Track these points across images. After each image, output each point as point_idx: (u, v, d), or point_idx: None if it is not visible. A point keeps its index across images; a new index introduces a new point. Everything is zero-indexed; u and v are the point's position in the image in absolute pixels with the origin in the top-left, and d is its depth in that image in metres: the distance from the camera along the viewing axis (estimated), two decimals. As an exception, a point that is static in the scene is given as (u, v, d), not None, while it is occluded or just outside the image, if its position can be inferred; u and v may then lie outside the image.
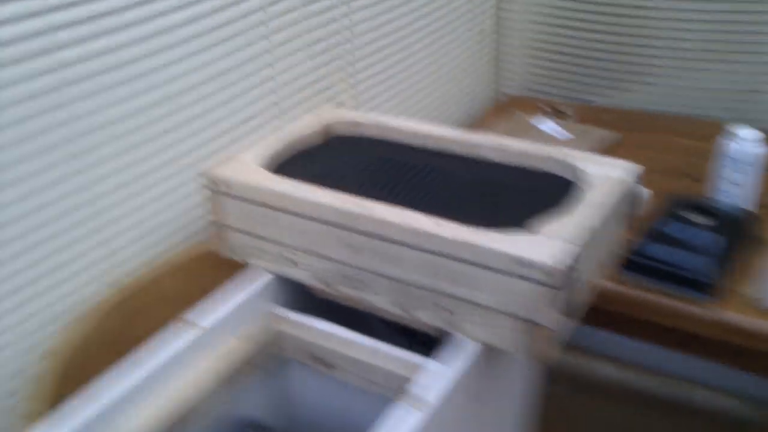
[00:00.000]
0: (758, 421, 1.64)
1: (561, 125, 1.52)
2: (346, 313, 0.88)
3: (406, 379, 0.74)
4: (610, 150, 1.44)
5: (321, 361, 0.80)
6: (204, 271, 1.01)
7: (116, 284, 0.95)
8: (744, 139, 1.11)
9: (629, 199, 0.79)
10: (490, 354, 0.75)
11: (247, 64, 1.06)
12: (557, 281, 0.64)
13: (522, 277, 0.65)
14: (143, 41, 0.90)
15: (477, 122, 1.64)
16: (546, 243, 0.66)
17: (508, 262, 0.65)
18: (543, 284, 0.64)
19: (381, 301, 0.77)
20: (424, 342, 0.93)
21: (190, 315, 0.79)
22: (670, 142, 1.46)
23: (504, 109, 1.69)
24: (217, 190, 0.83)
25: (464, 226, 0.69)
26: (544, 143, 1.42)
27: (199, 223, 1.06)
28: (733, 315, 0.97)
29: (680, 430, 1.67)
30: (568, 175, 0.81)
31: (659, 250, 1.01)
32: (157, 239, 1.00)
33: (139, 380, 0.70)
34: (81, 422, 0.65)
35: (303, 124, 0.95)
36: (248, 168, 0.83)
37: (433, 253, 0.70)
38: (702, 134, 1.47)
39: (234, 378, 0.78)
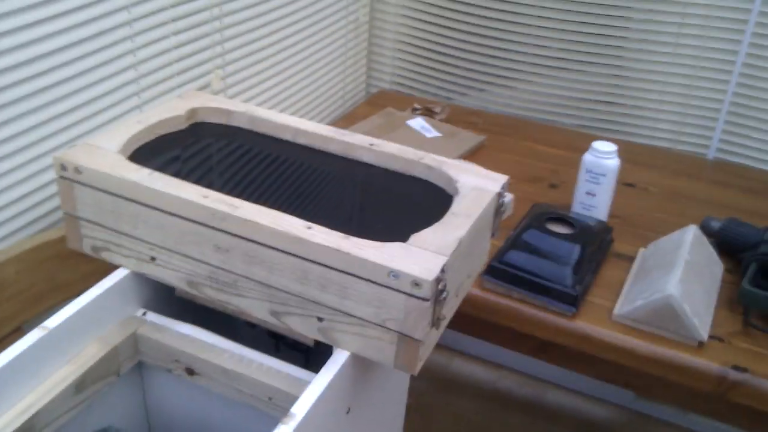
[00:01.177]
0: (605, 422, 1.75)
1: (430, 123, 1.54)
2: (215, 314, 0.84)
3: (274, 389, 0.71)
4: (475, 153, 1.47)
5: (184, 367, 0.76)
6: (53, 261, 0.93)
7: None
8: (600, 151, 1.17)
9: (496, 209, 0.80)
10: (361, 363, 0.74)
11: (104, 35, 0.98)
12: (427, 293, 0.63)
13: (392, 288, 0.64)
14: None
15: (349, 116, 1.63)
16: (417, 254, 0.65)
17: (378, 272, 0.64)
18: (413, 296, 0.64)
19: (251, 306, 0.73)
20: (293, 345, 0.90)
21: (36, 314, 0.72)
22: (532, 148, 1.52)
23: (376, 103, 1.69)
24: (67, 177, 0.76)
25: (335, 232, 0.67)
26: (414, 143, 1.43)
27: (48, 207, 0.97)
28: (587, 326, 1.01)
29: (534, 427, 1.75)
30: (441, 183, 0.81)
31: (519, 258, 1.05)
32: (-5, 225, 0.90)
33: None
34: None
35: (166, 108, 0.89)
36: (103, 153, 0.77)
37: (303, 258, 0.67)
38: (562, 142, 1.55)
39: (87, 384, 0.72)
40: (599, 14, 1.53)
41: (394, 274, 0.64)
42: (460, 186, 0.78)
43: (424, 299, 0.64)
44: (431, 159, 0.82)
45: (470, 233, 0.71)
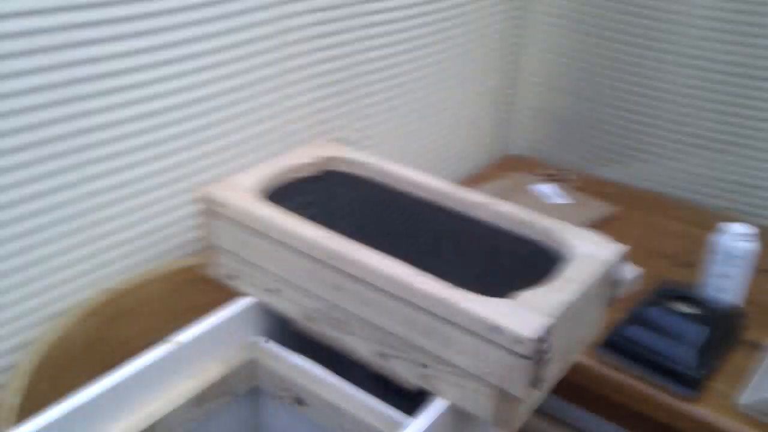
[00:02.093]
0: None
1: (560, 189, 1.53)
2: (327, 352, 0.88)
3: (373, 428, 0.74)
4: (603, 223, 1.45)
5: (294, 396, 0.80)
6: (191, 284, 1.02)
7: (100, 286, 0.96)
8: (735, 233, 1.12)
9: (611, 279, 0.80)
10: (458, 414, 0.75)
11: (255, 86, 1.07)
12: (528, 351, 0.64)
13: (493, 343, 0.66)
14: (152, 51, 0.91)
15: (477, 177, 1.65)
16: (521, 312, 0.66)
17: (481, 325, 0.66)
18: (514, 353, 0.65)
19: (359, 345, 0.77)
20: (400, 392, 0.93)
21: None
22: (666, 224, 1.47)
23: (505, 167, 1.71)
24: (211, 210, 0.84)
25: (443, 283, 0.70)
26: (540, 208, 1.43)
27: (190, 237, 1.06)
28: (709, 412, 0.96)
29: None
30: (554, 246, 0.82)
31: (638, 333, 1.02)
32: (145, 246, 1.00)
33: (107, 389, 0.70)
34: (40, 426, 0.65)
35: (301, 155, 0.96)
36: (243, 192, 0.84)
37: (410, 304, 0.70)
38: (696, 221, 1.49)
39: (205, 399, 0.78)
40: (749, 96, 1.48)
41: (497, 329, 0.65)
42: (574, 251, 0.78)
43: (525, 357, 0.64)
44: (546, 222, 0.84)
45: (579, 299, 0.71)
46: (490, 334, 0.66)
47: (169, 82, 0.95)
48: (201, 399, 0.78)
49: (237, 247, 0.84)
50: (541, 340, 0.65)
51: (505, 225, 0.86)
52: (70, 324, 0.89)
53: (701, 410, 0.97)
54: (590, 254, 0.77)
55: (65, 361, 0.88)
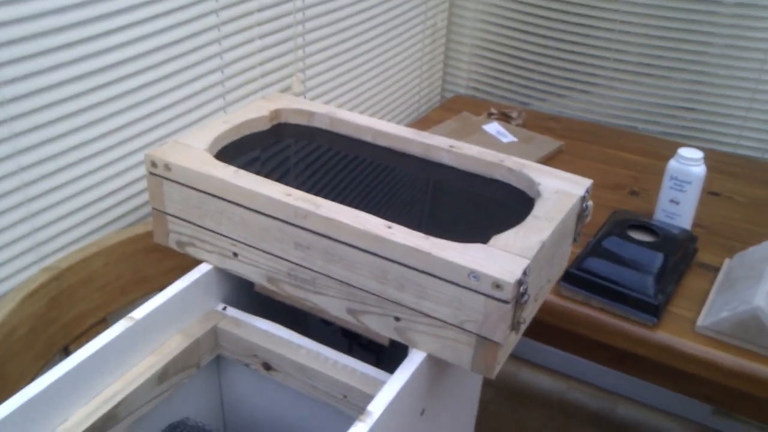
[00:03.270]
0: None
1: (506, 128, 1.52)
2: (290, 311, 0.85)
3: (348, 387, 0.71)
4: (552, 158, 1.45)
5: (261, 362, 0.77)
6: (139, 254, 0.97)
7: (42, 263, 0.89)
8: (685, 158, 1.13)
9: (579, 214, 0.79)
10: (436, 365, 0.74)
11: (194, 38, 1.01)
12: (508, 296, 0.62)
13: (472, 290, 0.64)
14: (84, 6, 0.84)
15: (424, 120, 1.63)
16: (498, 256, 0.65)
17: (458, 273, 0.64)
18: (493, 298, 0.63)
19: (329, 304, 0.74)
20: (366, 345, 0.91)
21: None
22: (611, 155, 1.49)
23: (451, 108, 1.68)
24: (157, 173, 0.79)
25: (415, 232, 0.67)
26: (490, 147, 1.42)
27: (137, 202, 1.00)
28: (669, 337, 0.98)
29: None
30: (521, 186, 0.80)
31: (599, 265, 1.02)
32: (89, 216, 0.94)
33: (65, 374, 0.65)
34: (3, 423, 0.60)
35: (251, 109, 0.91)
36: (191, 151, 0.79)
37: (382, 257, 0.67)
38: (642, 149, 1.51)
39: (168, 374, 0.74)
40: (683, 19, 1.49)
41: (475, 275, 0.63)
42: (543, 189, 0.77)
43: (504, 301, 0.63)
44: (512, 162, 0.82)
45: (552, 237, 0.70)
46: (467, 282, 0.64)
47: (104, 39, 0.88)
48: (163, 374, 0.74)
49: (188, 212, 0.79)
50: (519, 282, 0.63)
51: (471, 168, 0.83)
52: (9, 309, 0.83)
53: (662, 335, 0.99)
54: (559, 191, 0.76)
55: (9, 349, 0.82)
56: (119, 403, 0.69)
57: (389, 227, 0.68)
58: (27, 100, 0.81)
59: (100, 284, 0.93)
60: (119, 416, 0.70)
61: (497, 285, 0.62)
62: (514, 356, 1.95)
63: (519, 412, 1.78)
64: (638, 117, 1.62)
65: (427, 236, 0.67)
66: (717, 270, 1.11)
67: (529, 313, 0.73)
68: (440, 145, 0.85)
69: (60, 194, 0.89)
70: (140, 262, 0.97)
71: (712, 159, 1.46)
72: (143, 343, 0.74)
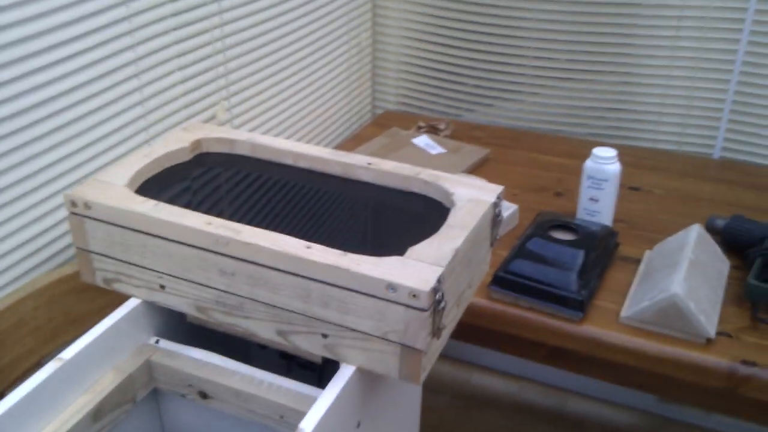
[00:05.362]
0: (630, 427, 1.75)
1: (435, 140, 1.56)
2: (229, 340, 0.86)
3: (285, 408, 0.73)
4: (479, 166, 1.49)
5: (197, 391, 0.78)
6: (68, 295, 0.96)
7: (-35, 313, 0.89)
8: (600, 157, 1.18)
9: (493, 219, 0.82)
10: (368, 377, 0.76)
11: (110, 75, 1.01)
12: (425, 303, 0.65)
13: (391, 301, 0.66)
14: (-5, 53, 0.84)
15: (355, 138, 1.66)
16: (413, 266, 0.67)
17: (376, 286, 0.66)
18: (411, 307, 0.66)
19: (258, 327, 0.76)
20: (306, 366, 0.92)
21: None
22: (537, 159, 1.54)
23: (381, 124, 1.72)
24: (78, 213, 0.79)
25: (334, 250, 0.70)
26: (419, 160, 1.46)
27: (62, 244, 1.00)
28: (596, 329, 1.02)
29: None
30: (437, 197, 0.83)
31: (524, 266, 1.06)
32: (15, 261, 0.94)
33: (-8, 419, 0.65)
34: None
35: (171, 140, 0.92)
36: (110, 188, 0.80)
37: (304, 277, 0.69)
38: (566, 151, 1.56)
39: (103, 411, 0.75)
40: (603, 23, 1.55)
41: (392, 287, 0.66)
42: (456, 198, 0.80)
43: (422, 310, 0.65)
44: (427, 174, 0.85)
45: (466, 243, 0.73)
46: (385, 294, 0.66)
47: (17, 83, 0.88)
48: (98, 412, 0.75)
49: (112, 248, 0.80)
50: (434, 290, 0.66)
51: (389, 183, 0.86)
52: (-61, 359, 0.82)
53: (588, 328, 1.03)
54: (471, 199, 0.79)
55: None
56: (53, 446, 0.70)
57: (308, 247, 0.70)
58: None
59: (31, 328, 0.92)
60: (53, 459, 0.70)
61: (413, 294, 0.65)
62: (465, 361, 1.99)
63: (474, 416, 1.81)
64: (563, 120, 1.68)
65: (345, 253, 0.69)
66: (638, 262, 1.16)
67: (451, 319, 0.76)
68: (358, 162, 0.88)
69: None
70: (71, 303, 0.96)
71: (632, 155, 1.52)
72: (76, 383, 0.74)
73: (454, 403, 1.85)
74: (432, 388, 1.90)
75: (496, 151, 1.56)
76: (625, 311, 1.03)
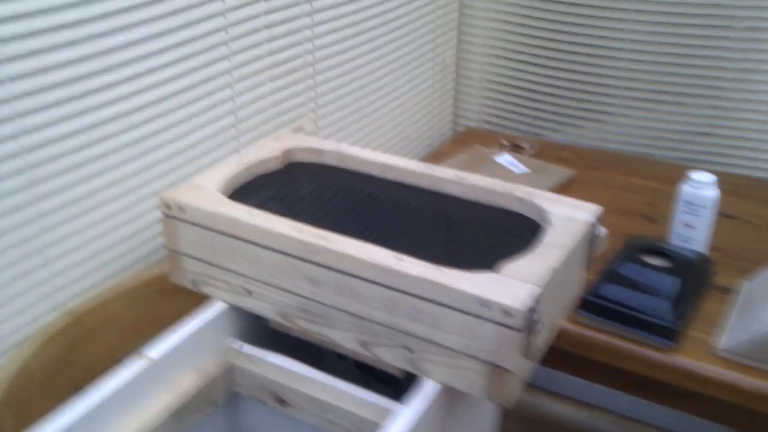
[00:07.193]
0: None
1: (518, 159, 1.53)
2: (305, 347, 0.85)
3: (364, 420, 0.71)
4: (565, 187, 1.45)
5: (276, 397, 0.77)
6: (155, 296, 0.98)
7: (61, 308, 0.91)
8: (697, 182, 1.13)
9: (590, 240, 0.79)
10: (451, 395, 0.74)
11: (206, 84, 1.03)
12: (519, 323, 0.63)
13: (483, 318, 0.64)
14: (98, 57, 0.87)
15: (436, 154, 1.64)
16: (508, 284, 0.65)
17: (469, 302, 0.64)
18: (504, 326, 0.63)
19: (341, 337, 0.75)
20: (382, 379, 0.91)
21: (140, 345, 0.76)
22: (625, 182, 1.49)
23: (463, 141, 1.70)
24: (171, 215, 0.80)
25: (425, 263, 0.68)
26: (503, 178, 1.43)
27: (151, 246, 1.02)
28: (688, 361, 0.97)
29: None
30: (531, 215, 0.81)
31: (615, 291, 1.02)
32: (105, 262, 0.96)
33: (83, 414, 0.66)
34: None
35: (262, 149, 0.92)
36: (204, 192, 0.81)
37: (393, 289, 0.68)
38: (656, 175, 1.51)
39: (184, 413, 0.75)
40: (694, 45, 1.50)
41: (486, 304, 0.63)
42: (552, 217, 0.77)
43: (516, 329, 0.63)
44: (521, 190, 0.82)
45: (563, 264, 0.70)
46: (478, 310, 0.64)
47: (118, 88, 0.90)
48: (180, 413, 0.75)
49: (202, 251, 0.80)
50: (531, 310, 0.63)
51: (480, 198, 0.84)
52: (30, 352, 0.84)
53: (680, 359, 0.98)
54: (568, 218, 0.76)
55: (29, 392, 0.83)
56: (136, 444, 0.70)
57: (399, 259, 0.69)
58: (43, 149, 0.83)
59: (117, 327, 0.94)
60: (136, 456, 0.70)
61: (508, 312, 0.63)
62: (535, 386, 1.93)
63: (545, 446, 1.75)
64: (652, 144, 1.62)
65: (437, 266, 0.67)
66: (734, 292, 1.10)
67: (543, 341, 0.73)
68: (448, 176, 0.86)
69: (76, 240, 0.91)
70: (156, 304, 0.98)
71: (728, 182, 1.45)
72: (159, 382, 0.74)
73: (522, 429, 1.80)
74: (501, 412, 1.85)
75: (582, 172, 1.51)
76: (723, 343, 0.98)
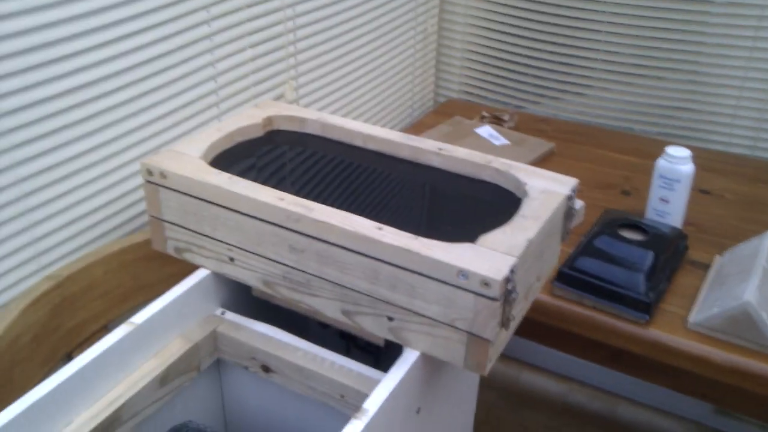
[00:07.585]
0: None
1: (498, 131, 1.54)
2: (289, 316, 0.87)
3: (346, 387, 0.73)
4: (545, 160, 1.47)
5: (260, 364, 0.79)
6: (138, 262, 0.98)
7: (43, 272, 0.91)
8: (673, 157, 1.15)
9: (566, 213, 0.80)
10: (431, 364, 0.75)
11: (186, 48, 1.03)
12: (496, 293, 0.64)
13: (461, 288, 0.65)
14: (73, 21, 0.86)
15: (417, 125, 1.65)
16: (486, 254, 0.66)
17: (447, 272, 0.65)
18: (482, 296, 0.65)
19: (323, 306, 0.76)
20: (364, 348, 0.92)
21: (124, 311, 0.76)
22: (604, 156, 1.50)
23: (444, 112, 1.70)
24: (153, 181, 0.81)
25: (405, 233, 0.69)
26: (483, 150, 1.44)
27: (134, 212, 1.02)
28: (662, 334, 1.00)
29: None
30: (509, 187, 0.82)
31: (590, 264, 1.04)
32: (88, 226, 0.96)
33: (69, 378, 0.67)
34: (5, 422, 0.62)
35: (244, 116, 0.93)
36: (185, 158, 0.81)
37: (374, 258, 0.69)
38: (635, 149, 1.52)
39: (169, 377, 0.76)
40: (674, 19, 1.51)
41: (464, 273, 0.65)
42: (529, 189, 0.78)
43: (493, 299, 0.65)
44: (499, 163, 0.83)
45: (539, 235, 0.72)
46: (457, 280, 0.65)
47: (98, 51, 0.90)
48: (165, 378, 0.76)
49: (184, 218, 0.81)
50: (507, 280, 0.65)
51: (460, 170, 0.85)
52: (13, 317, 0.84)
53: (654, 332, 1.00)
54: (545, 190, 0.78)
55: (14, 356, 0.84)
56: (122, 407, 0.71)
57: (379, 228, 0.70)
58: (24, 112, 0.83)
59: (101, 292, 0.95)
60: (122, 419, 0.71)
61: (485, 283, 0.64)
62: (515, 359, 1.97)
63: (521, 415, 1.79)
64: (631, 118, 1.64)
65: (417, 236, 0.69)
66: (708, 267, 1.12)
67: (519, 311, 0.75)
68: (429, 147, 0.87)
69: (59, 204, 0.91)
70: (140, 270, 0.98)
71: (704, 157, 1.48)
72: (144, 347, 0.75)
73: (501, 400, 1.84)
74: (481, 383, 1.89)
75: (562, 145, 1.53)
76: (694, 317, 1.00)
